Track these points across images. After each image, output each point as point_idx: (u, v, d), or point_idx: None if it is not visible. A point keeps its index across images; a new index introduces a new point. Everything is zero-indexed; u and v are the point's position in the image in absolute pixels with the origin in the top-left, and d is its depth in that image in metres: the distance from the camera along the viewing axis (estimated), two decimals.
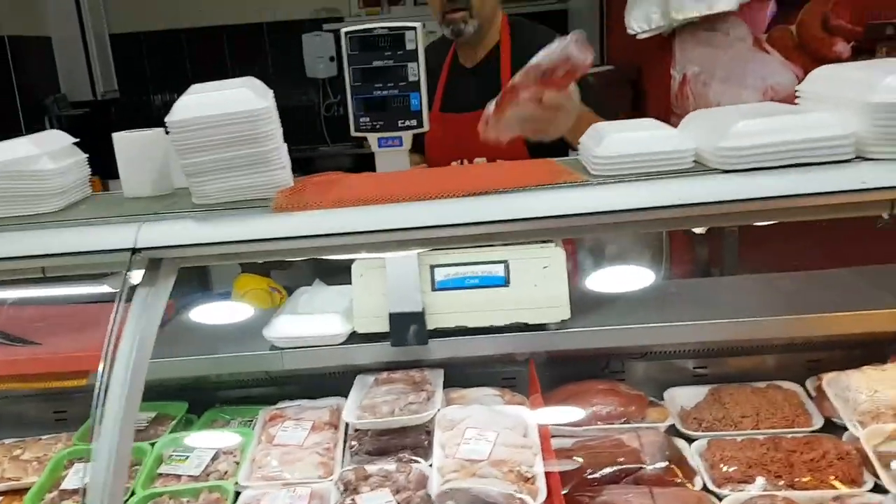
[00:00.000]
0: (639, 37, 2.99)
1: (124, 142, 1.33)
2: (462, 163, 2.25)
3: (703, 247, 3.18)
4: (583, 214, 1.14)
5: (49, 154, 1.24)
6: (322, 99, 6.42)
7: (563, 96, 1.52)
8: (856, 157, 1.17)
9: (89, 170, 1.39)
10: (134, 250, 1.11)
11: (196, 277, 3.71)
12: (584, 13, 4.83)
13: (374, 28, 1.53)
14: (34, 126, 5.68)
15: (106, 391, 1.07)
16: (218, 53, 6.51)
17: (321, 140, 6.30)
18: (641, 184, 1.17)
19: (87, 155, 1.38)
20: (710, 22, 2.88)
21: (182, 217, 1.17)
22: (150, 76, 6.41)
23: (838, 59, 2.97)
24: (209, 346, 1.83)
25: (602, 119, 1.57)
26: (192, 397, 1.91)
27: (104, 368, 1.07)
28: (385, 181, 1.35)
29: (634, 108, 3.62)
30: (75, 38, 5.95)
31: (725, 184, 1.14)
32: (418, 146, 2.38)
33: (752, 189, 1.12)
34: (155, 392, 1.88)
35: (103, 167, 1.55)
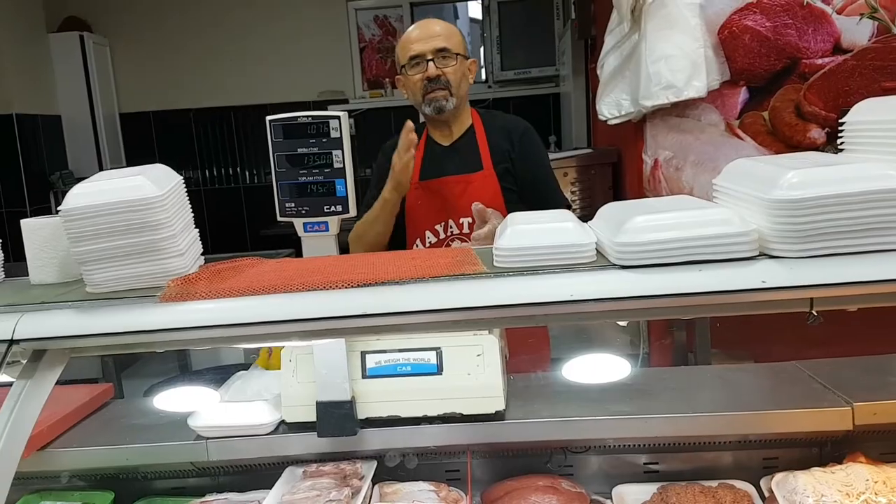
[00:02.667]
0: (609, 122, 3.01)
1: (31, 228, 1.33)
2: (446, 224, 2.29)
3: (681, 331, 3.11)
4: (473, 308, 1.10)
5: None
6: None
7: None
8: (760, 255, 1.13)
9: (0, 255, 1.38)
10: (11, 341, 1.09)
11: (176, 355, 3.69)
12: (573, 96, 4.92)
13: (299, 116, 1.54)
14: (39, 201, 5.81)
15: None
16: (225, 132, 6.69)
17: None
18: (536, 277, 1.14)
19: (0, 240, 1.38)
20: (681, 108, 2.90)
21: (65, 307, 1.15)
22: (158, 154, 6.58)
23: (813, 146, 2.97)
24: (138, 434, 1.78)
25: None
26: (123, 486, 1.85)
27: None
28: (291, 269, 1.33)
29: (615, 190, 3.62)
30: (85, 116, 6.15)
31: (620, 280, 1.11)
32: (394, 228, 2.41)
33: (645, 286, 1.09)
34: (83, 480, 1.85)
35: None
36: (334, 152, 1.55)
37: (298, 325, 1.12)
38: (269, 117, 1.56)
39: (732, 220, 1.13)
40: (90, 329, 1.10)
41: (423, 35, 2.26)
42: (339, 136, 1.55)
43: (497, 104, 6.23)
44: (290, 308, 1.13)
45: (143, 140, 6.61)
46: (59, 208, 1.17)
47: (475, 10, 7.04)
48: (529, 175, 2.36)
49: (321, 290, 1.16)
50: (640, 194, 3.00)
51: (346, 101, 6.53)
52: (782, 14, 2.90)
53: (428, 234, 2.34)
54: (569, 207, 2.43)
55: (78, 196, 1.16)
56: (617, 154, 3.61)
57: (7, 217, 5.62)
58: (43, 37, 6.07)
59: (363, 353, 1.71)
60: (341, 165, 1.55)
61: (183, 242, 1.24)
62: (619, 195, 3.56)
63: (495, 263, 1.21)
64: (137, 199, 1.15)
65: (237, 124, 6.68)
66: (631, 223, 1.13)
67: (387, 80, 6.58)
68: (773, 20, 2.90)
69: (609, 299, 1.08)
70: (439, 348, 1.70)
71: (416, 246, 2.35)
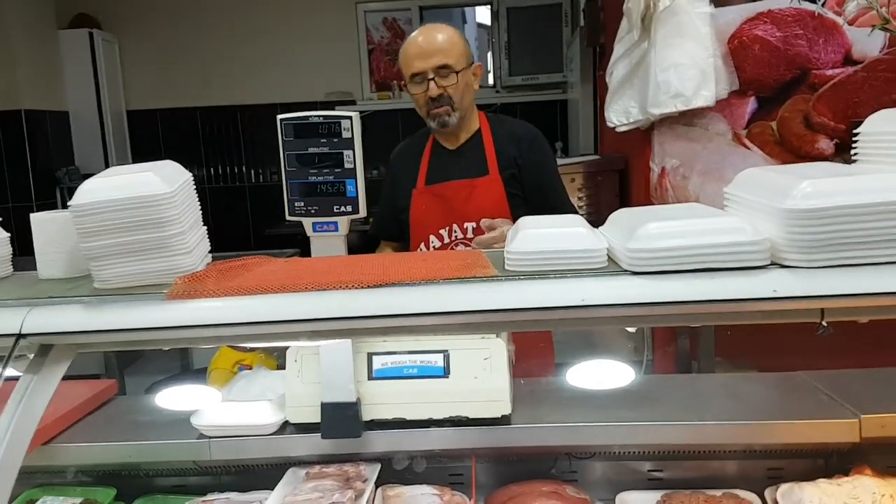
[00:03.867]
0: (617, 129, 3.01)
1: (40, 222, 1.33)
2: (451, 228, 2.28)
3: (685, 339, 3.10)
4: (482, 311, 1.10)
5: None
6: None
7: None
8: (772, 264, 1.13)
9: (10, 249, 1.38)
10: (19, 335, 1.09)
11: (179, 353, 3.69)
12: (581, 103, 4.92)
13: (310, 115, 1.54)
14: (45, 196, 5.82)
15: None
16: (231, 131, 6.70)
17: None
18: (548, 282, 1.13)
19: (8, 234, 1.38)
20: (689, 117, 2.89)
21: (73, 303, 1.14)
22: (164, 151, 6.59)
23: (821, 157, 2.96)
24: (140, 431, 1.78)
25: None
26: (125, 483, 1.84)
27: None
28: (300, 269, 1.33)
29: (622, 197, 3.62)
30: (93, 113, 6.17)
31: (632, 286, 1.10)
32: (396, 231, 2.41)
33: (656, 293, 1.08)
34: (86, 476, 1.85)
35: None
36: (345, 152, 1.55)
37: (308, 325, 1.12)
38: (280, 116, 1.56)
39: (745, 228, 1.12)
40: (98, 325, 1.10)
41: (423, 51, 2.22)
42: (350, 136, 1.55)
43: (504, 109, 6.24)
44: (300, 308, 1.12)
45: (149, 137, 6.63)
46: (68, 203, 1.17)
47: (483, 16, 7.05)
48: (536, 182, 2.34)
49: (332, 289, 1.15)
50: (646, 202, 3.00)
51: (353, 103, 6.54)
52: (793, 24, 2.89)
53: (432, 238, 2.33)
54: (574, 214, 2.42)
55: (88, 191, 1.16)
56: (624, 161, 3.61)
57: (14, 212, 5.64)
58: (53, 33, 6.09)
59: (370, 355, 1.71)
60: (352, 166, 1.55)
61: (191, 240, 1.24)
62: (625, 202, 3.56)
63: (507, 267, 1.21)
64: (147, 196, 1.15)
65: (244, 124, 6.69)
66: (643, 229, 1.13)
67: (394, 81, 6.59)
68: (783, 30, 2.89)
69: (620, 305, 1.08)
70: (446, 351, 1.70)
71: (420, 250, 2.34)
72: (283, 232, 6.07)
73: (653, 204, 2.94)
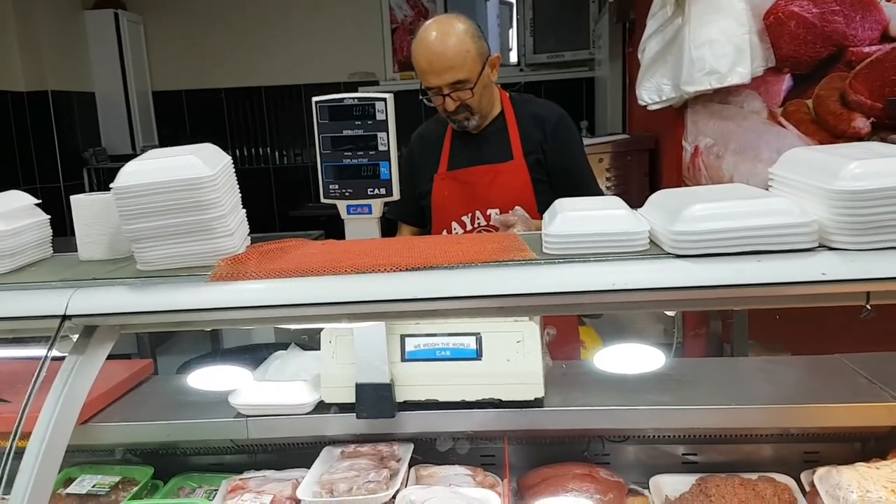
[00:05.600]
0: (650, 108, 2.97)
1: (81, 204, 1.34)
2: (473, 215, 2.25)
3: (716, 321, 3.07)
4: (521, 295, 1.09)
5: (3, 215, 1.25)
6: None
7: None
8: (819, 247, 1.11)
9: (50, 231, 1.39)
10: (64, 317, 1.10)
11: (210, 333, 3.73)
12: (609, 80, 4.85)
13: (345, 98, 1.53)
14: (72, 177, 5.88)
15: (10, 458, 1.04)
16: (256, 112, 6.71)
17: None
18: (588, 265, 1.12)
19: (48, 217, 1.39)
20: (723, 95, 2.84)
21: (117, 284, 1.15)
22: (189, 132, 6.62)
23: (857, 135, 2.90)
24: (178, 410, 1.80)
25: None
26: (162, 462, 1.87)
27: (13, 437, 1.05)
28: (338, 251, 1.33)
29: (651, 177, 3.58)
30: (118, 94, 6.20)
31: (676, 269, 1.09)
32: (416, 215, 2.39)
33: (701, 276, 1.06)
34: (123, 455, 1.88)
35: None
36: (379, 135, 1.54)
37: (348, 308, 1.12)
38: (315, 98, 1.55)
39: (792, 210, 1.10)
40: (143, 306, 1.11)
41: (434, 69, 2.12)
42: (384, 118, 1.53)
43: (529, 88, 6.16)
44: (340, 290, 1.12)
45: (175, 118, 6.66)
46: (111, 185, 1.18)
47: None
48: (563, 166, 2.28)
49: (370, 272, 1.15)
50: (678, 182, 2.96)
51: (376, 83, 6.51)
52: (830, 1, 2.82)
53: (455, 225, 2.30)
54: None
55: (131, 174, 1.17)
56: (654, 140, 3.56)
57: (42, 192, 5.70)
58: (78, 13, 6.11)
59: (402, 337, 1.71)
60: (386, 148, 1.54)
61: (233, 222, 1.24)
62: (655, 182, 3.52)
63: (545, 250, 1.20)
64: (191, 179, 1.15)
65: (268, 104, 6.69)
66: (688, 211, 1.11)
67: None
68: (819, 6, 2.83)
69: (665, 289, 1.07)
70: (479, 334, 1.69)
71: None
72: (306, 214, 6.09)
73: (685, 184, 2.91)
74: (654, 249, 1.16)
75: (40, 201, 1.38)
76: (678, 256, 1.11)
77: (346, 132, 1.55)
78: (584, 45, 6.17)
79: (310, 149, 6.64)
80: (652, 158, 3.60)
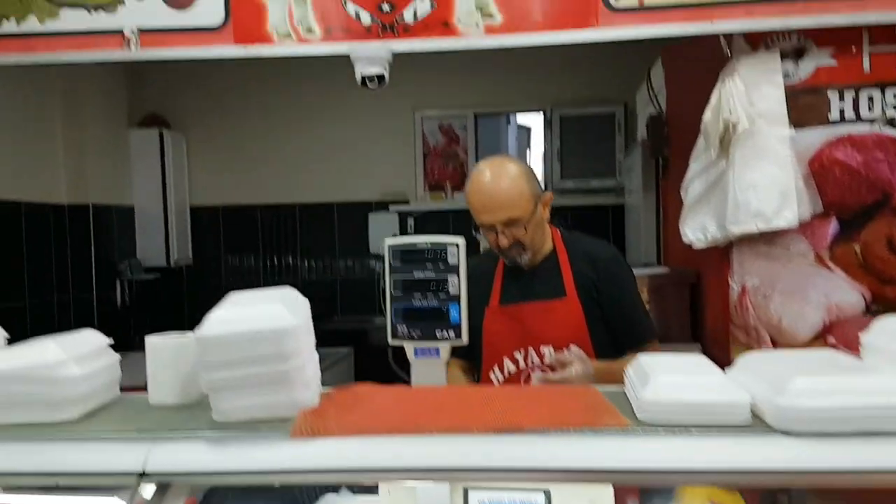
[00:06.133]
0: (694, 246, 2.97)
1: (155, 348, 1.32)
2: (527, 352, 2.20)
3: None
4: (628, 472, 1.03)
5: (76, 358, 1.22)
6: (381, 273, 6.55)
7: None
8: None
9: (119, 372, 1.36)
10: (142, 475, 1.05)
11: None
12: (643, 211, 4.90)
13: (418, 243, 1.53)
14: (106, 286, 5.92)
15: None
16: (290, 228, 6.83)
17: (378, 311, 6.35)
18: (693, 439, 1.06)
19: (118, 356, 1.36)
20: (769, 236, 2.84)
21: (194, 439, 1.11)
22: (223, 246, 6.72)
23: None
24: None
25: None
26: None
27: None
28: (414, 403, 1.28)
29: (693, 312, 3.53)
30: (157, 208, 6.33)
31: (788, 449, 1.03)
32: (466, 350, 2.34)
33: (814, 458, 1.01)
34: None
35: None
36: (450, 277, 1.54)
37: (427, 474, 1.07)
38: (388, 241, 1.56)
39: None
40: (223, 466, 1.05)
41: (488, 208, 2.10)
42: (456, 262, 1.54)
43: (557, 212, 6.25)
44: (427, 455, 1.07)
45: (210, 232, 6.78)
46: (194, 334, 1.16)
47: (525, 119, 7.25)
48: (616, 304, 2.27)
49: (450, 434, 1.10)
50: (726, 321, 2.91)
51: (407, 203, 6.65)
52: (874, 148, 2.87)
53: (507, 361, 2.24)
54: (655, 336, 2.35)
55: (217, 323, 1.15)
56: (696, 275, 3.54)
57: (74, 301, 5.73)
58: (125, 132, 6.36)
59: (465, 490, 1.62)
60: (457, 292, 1.52)
61: (310, 371, 1.21)
62: (698, 319, 3.47)
63: (638, 416, 1.15)
64: (276, 329, 1.13)
65: (301, 220, 6.82)
66: (794, 384, 1.06)
67: (447, 182, 6.70)
68: (864, 154, 2.87)
69: (775, 473, 1.00)
70: (548, 491, 1.61)
71: (494, 373, 2.25)
72: (335, 328, 6.06)
73: (733, 324, 2.86)
74: (757, 422, 1.11)
75: (112, 341, 1.36)
76: (785, 433, 1.05)
77: (418, 275, 1.54)
78: (611, 174, 6.32)
79: (338, 262, 6.72)
80: (692, 293, 3.57)
